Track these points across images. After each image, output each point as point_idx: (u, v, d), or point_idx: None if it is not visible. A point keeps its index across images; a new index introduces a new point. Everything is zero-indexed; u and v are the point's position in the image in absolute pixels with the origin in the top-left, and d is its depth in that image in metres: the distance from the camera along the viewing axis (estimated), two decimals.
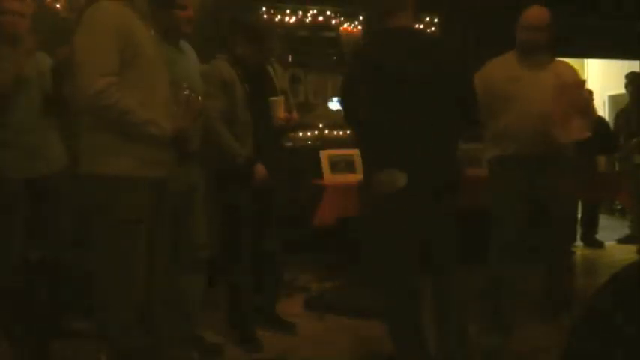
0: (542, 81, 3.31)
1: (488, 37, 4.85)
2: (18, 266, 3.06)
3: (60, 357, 3.04)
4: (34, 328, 3.07)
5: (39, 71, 3.09)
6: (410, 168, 2.56)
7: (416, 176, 2.58)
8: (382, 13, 2.67)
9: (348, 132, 5.19)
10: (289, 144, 4.67)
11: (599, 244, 6.02)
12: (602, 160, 6.40)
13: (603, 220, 6.52)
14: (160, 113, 2.36)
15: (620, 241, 6.14)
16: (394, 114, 2.53)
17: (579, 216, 5.98)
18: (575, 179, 3.55)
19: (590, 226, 6.10)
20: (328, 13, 5.16)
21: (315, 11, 5.09)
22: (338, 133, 5.20)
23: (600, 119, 6.17)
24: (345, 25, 5.24)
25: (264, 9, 4.87)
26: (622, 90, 6.35)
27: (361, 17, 5.26)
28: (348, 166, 4.80)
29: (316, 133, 5.12)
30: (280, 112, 3.24)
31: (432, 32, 5.51)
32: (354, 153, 4.81)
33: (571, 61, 5.43)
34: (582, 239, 6.06)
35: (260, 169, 3.18)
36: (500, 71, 3.47)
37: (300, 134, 5.01)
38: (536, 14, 3.35)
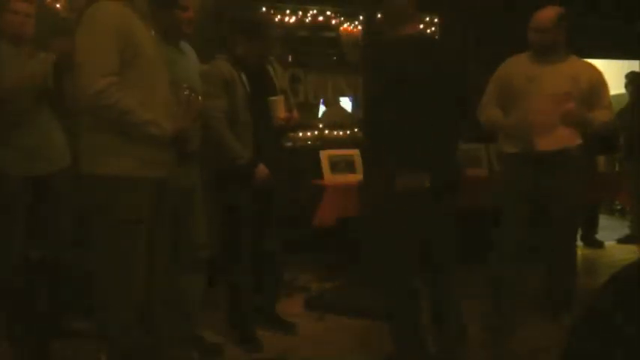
0: (553, 80, 3.36)
1: (488, 37, 4.87)
2: (18, 266, 3.06)
3: (60, 357, 3.04)
4: (34, 328, 3.07)
5: (42, 71, 3.11)
6: (421, 167, 2.66)
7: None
8: (391, 23, 2.81)
9: (348, 132, 5.19)
10: (289, 144, 4.67)
11: (599, 244, 6.02)
12: (602, 160, 6.39)
13: (603, 220, 6.52)
14: (160, 113, 2.36)
15: (620, 241, 6.14)
16: (408, 115, 2.64)
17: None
18: (580, 180, 3.55)
19: (590, 226, 6.10)
20: (328, 13, 5.16)
21: (315, 11, 5.09)
22: (338, 133, 5.20)
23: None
24: (345, 25, 5.24)
25: (264, 9, 4.87)
26: (622, 90, 6.35)
27: (361, 17, 5.26)
28: (348, 166, 4.80)
29: (316, 133, 5.12)
30: (281, 112, 3.24)
31: (432, 32, 5.51)
32: (354, 153, 4.82)
33: None
34: (582, 239, 6.05)
35: (262, 169, 3.19)
36: (516, 69, 3.53)
37: (300, 134, 5.01)
38: (539, 17, 3.41)
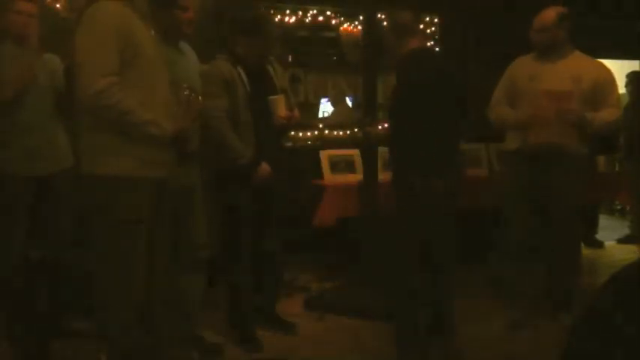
0: (553, 78, 3.42)
1: (488, 37, 4.87)
2: (18, 266, 3.06)
3: (60, 357, 3.04)
4: (34, 328, 3.07)
5: (48, 71, 3.12)
6: (436, 172, 2.91)
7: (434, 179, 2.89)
8: (397, 37, 3.07)
9: (348, 132, 5.19)
10: (289, 144, 4.67)
11: (599, 244, 6.02)
12: (602, 160, 6.39)
13: (603, 220, 6.52)
14: (160, 113, 2.36)
15: (620, 241, 6.14)
16: (426, 122, 2.89)
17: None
18: (580, 179, 3.56)
19: (590, 226, 6.10)
20: (328, 13, 5.15)
21: (315, 11, 5.09)
22: (338, 133, 5.20)
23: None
24: (345, 25, 5.23)
25: (264, 9, 4.87)
26: (622, 90, 6.34)
27: (361, 17, 5.25)
28: (348, 166, 4.80)
29: (316, 133, 5.12)
30: (281, 111, 3.24)
31: (432, 32, 5.51)
32: (354, 153, 4.82)
33: None
34: (582, 239, 6.05)
35: (264, 168, 3.19)
36: (520, 70, 3.63)
37: (300, 134, 5.01)
38: (540, 17, 3.51)
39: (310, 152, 4.87)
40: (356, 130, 5.15)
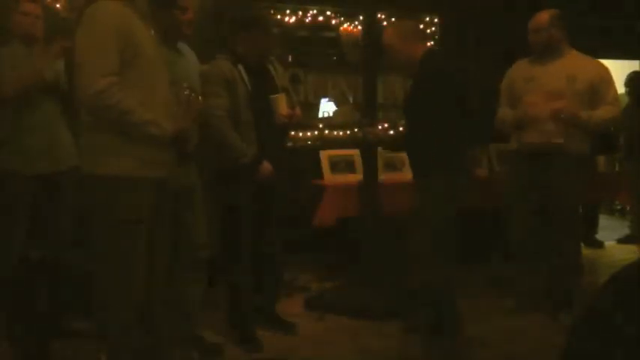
0: (548, 78, 3.48)
1: (488, 37, 4.87)
2: (18, 266, 3.06)
3: (60, 357, 3.04)
4: (34, 328, 3.07)
5: (53, 71, 3.15)
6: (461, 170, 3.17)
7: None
8: (409, 42, 3.20)
9: (348, 132, 5.19)
10: (289, 144, 4.67)
11: (599, 244, 6.02)
12: (602, 160, 6.39)
13: (603, 220, 6.52)
14: (160, 113, 2.36)
15: (620, 241, 6.14)
16: (455, 122, 3.06)
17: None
18: (580, 179, 3.58)
19: (590, 226, 6.10)
20: (328, 13, 5.15)
21: (315, 11, 5.09)
22: (338, 133, 5.20)
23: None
24: (345, 25, 5.23)
25: (263, 9, 4.86)
26: (622, 90, 6.35)
27: (361, 17, 5.25)
28: (348, 166, 4.80)
29: (316, 133, 5.11)
30: (283, 109, 3.24)
31: (432, 32, 5.51)
32: (354, 153, 4.82)
33: None
34: (582, 239, 6.05)
35: (266, 166, 3.19)
36: (517, 74, 3.70)
37: (300, 134, 5.01)
38: (535, 18, 3.60)
39: (310, 152, 4.87)
40: (356, 130, 5.15)
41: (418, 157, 3.20)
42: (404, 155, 4.96)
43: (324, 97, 5.37)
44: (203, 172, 3.14)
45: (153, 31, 2.59)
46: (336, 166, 4.77)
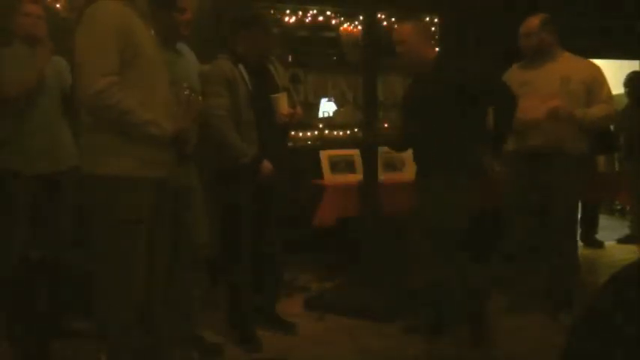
0: (543, 81, 3.50)
1: (488, 37, 4.87)
2: (18, 266, 3.06)
3: (60, 357, 3.04)
4: (34, 328, 3.07)
5: (56, 72, 3.15)
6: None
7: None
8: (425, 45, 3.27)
9: (348, 132, 5.19)
10: (289, 144, 4.67)
11: (599, 244, 6.01)
12: (602, 160, 6.38)
13: (603, 220, 6.52)
14: (160, 113, 2.35)
15: (620, 241, 6.14)
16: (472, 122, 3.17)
17: (579, 216, 5.98)
18: (580, 179, 3.60)
19: (590, 226, 6.10)
20: (328, 13, 5.15)
21: (315, 11, 5.09)
22: (338, 133, 5.20)
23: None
24: (345, 25, 5.23)
25: (263, 9, 4.86)
26: (622, 90, 6.35)
27: (361, 17, 5.25)
28: (348, 166, 4.80)
29: (316, 133, 5.11)
30: (284, 108, 3.24)
31: (431, 32, 5.51)
32: (354, 153, 4.82)
33: None
34: (582, 239, 6.05)
35: (266, 165, 3.19)
36: (512, 78, 3.68)
37: (300, 134, 5.01)
38: (525, 23, 3.65)
39: (310, 152, 4.87)
40: (356, 130, 5.15)
41: (437, 157, 3.19)
42: (404, 155, 4.96)
43: (324, 97, 5.37)
44: (203, 172, 3.14)
45: (153, 32, 2.59)
46: (336, 166, 4.77)
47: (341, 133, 5.19)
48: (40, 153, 3.10)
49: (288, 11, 5.00)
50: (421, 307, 3.47)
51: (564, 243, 3.66)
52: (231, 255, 3.28)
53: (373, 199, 3.96)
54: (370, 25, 4.11)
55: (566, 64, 3.60)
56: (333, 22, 5.20)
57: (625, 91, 6.09)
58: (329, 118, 5.33)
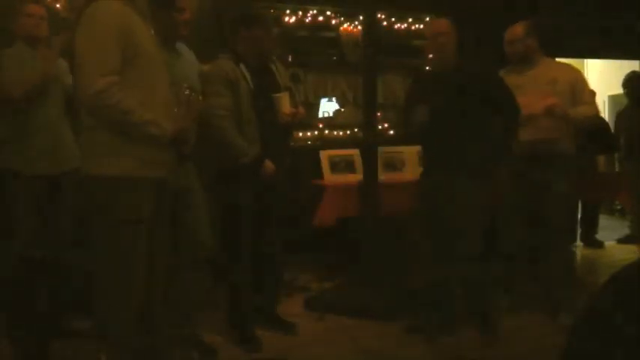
0: (533, 84, 3.60)
1: (488, 37, 4.87)
2: (18, 266, 3.06)
3: (60, 357, 3.04)
4: (34, 328, 3.07)
5: (58, 72, 3.16)
6: None
7: None
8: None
9: (348, 132, 5.19)
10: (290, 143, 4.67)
11: (599, 244, 6.02)
12: (602, 160, 6.39)
13: (603, 220, 6.52)
14: (160, 113, 2.35)
15: (620, 241, 6.14)
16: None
17: (579, 216, 5.98)
18: (573, 178, 3.66)
19: (590, 226, 6.10)
20: (328, 13, 5.15)
21: (315, 11, 5.09)
22: (338, 133, 5.20)
23: (600, 119, 6.19)
24: (345, 25, 5.23)
25: (263, 9, 4.86)
26: (622, 90, 6.35)
27: (361, 17, 5.26)
28: (348, 166, 4.80)
29: (316, 133, 5.11)
30: (286, 108, 3.24)
31: None
32: (354, 153, 4.82)
33: (571, 61, 5.44)
34: (582, 239, 6.06)
35: (268, 165, 3.19)
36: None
37: (300, 134, 5.01)
38: (510, 30, 3.77)
39: (310, 152, 4.87)
40: (356, 130, 5.15)
41: (464, 158, 3.25)
42: (404, 155, 4.97)
43: (325, 97, 5.37)
44: (203, 172, 3.13)
45: (152, 31, 2.59)
46: (336, 166, 4.77)
47: (341, 133, 5.19)
48: (42, 153, 3.10)
49: (288, 11, 5.00)
50: (421, 307, 3.47)
51: (562, 243, 3.70)
52: (231, 255, 3.28)
53: (373, 199, 3.96)
54: (370, 25, 4.11)
55: (549, 67, 3.73)
56: (333, 22, 5.20)
57: (624, 92, 6.09)
58: (330, 118, 5.33)
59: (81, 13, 2.33)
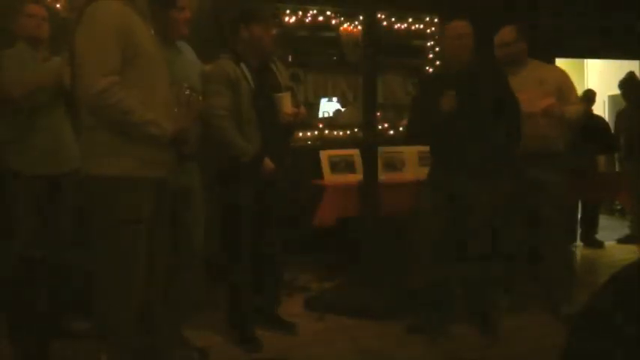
0: (523, 86, 3.61)
1: (488, 37, 4.87)
2: (18, 266, 3.06)
3: (60, 357, 3.04)
4: (34, 328, 3.07)
5: (57, 73, 3.15)
6: None
7: None
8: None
9: (348, 132, 5.19)
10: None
11: (599, 244, 6.02)
12: (602, 160, 6.39)
13: (603, 220, 6.52)
14: (160, 113, 2.35)
15: (620, 241, 6.14)
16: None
17: (579, 216, 5.99)
18: (565, 176, 3.74)
19: (590, 226, 6.10)
20: (328, 13, 5.15)
21: (315, 11, 5.09)
22: (338, 133, 5.20)
23: (600, 119, 6.20)
24: (345, 25, 5.23)
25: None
26: (617, 91, 6.35)
27: (361, 17, 5.26)
28: (348, 166, 4.80)
29: (316, 133, 5.11)
30: (287, 108, 3.24)
31: (431, 32, 5.51)
32: (354, 153, 4.82)
33: (571, 61, 5.44)
34: (582, 239, 6.06)
35: (268, 164, 3.18)
36: None
37: (300, 134, 5.01)
38: (502, 33, 3.84)
39: (310, 152, 4.87)
40: (356, 130, 5.15)
41: (482, 159, 3.28)
42: (404, 155, 4.97)
43: (325, 97, 5.37)
44: (204, 172, 3.13)
45: (152, 31, 2.59)
46: (336, 166, 4.77)
47: (341, 133, 5.19)
48: (43, 154, 3.10)
49: (288, 11, 5.00)
50: (421, 307, 3.47)
51: (560, 242, 3.74)
52: (231, 255, 3.28)
53: (373, 199, 3.96)
54: (370, 25, 4.11)
55: (537, 68, 3.79)
56: (333, 22, 5.20)
57: (621, 93, 6.10)
58: (331, 118, 5.34)
59: (81, 13, 2.33)
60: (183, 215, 2.92)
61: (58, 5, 4.07)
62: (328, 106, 5.40)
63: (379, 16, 5.05)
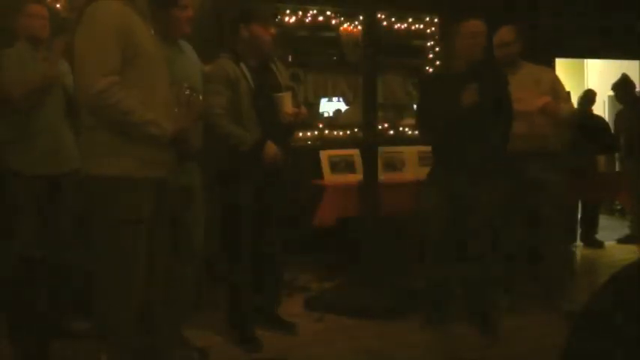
0: (519, 85, 3.63)
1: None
2: (18, 266, 3.06)
3: (60, 357, 3.04)
4: (34, 328, 3.07)
5: (60, 73, 3.16)
6: None
7: None
8: None
9: (348, 132, 5.19)
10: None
11: (599, 244, 6.01)
12: (602, 160, 6.39)
13: (603, 220, 6.52)
14: (161, 113, 2.35)
15: (620, 241, 6.14)
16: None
17: (579, 216, 5.99)
18: (565, 175, 3.78)
19: (590, 226, 6.10)
20: (328, 13, 5.15)
21: (315, 11, 5.09)
22: (338, 133, 5.20)
23: (600, 119, 6.20)
24: (345, 25, 5.23)
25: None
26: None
27: (361, 17, 5.25)
28: (348, 166, 4.80)
29: (316, 133, 5.11)
30: (288, 107, 3.23)
31: (431, 32, 5.51)
32: (354, 153, 4.82)
33: (571, 61, 5.45)
34: (582, 239, 6.05)
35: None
36: None
37: (300, 134, 5.01)
38: (501, 33, 3.87)
39: (310, 152, 4.87)
40: (356, 130, 5.15)
41: (486, 161, 3.30)
42: (404, 155, 4.97)
43: (325, 97, 5.37)
44: (204, 172, 3.13)
45: (153, 31, 2.59)
46: (336, 166, 4.77)
47: (341, 133, 5.19)
48: (44, 154, 3.10)
49: (288, 11, 5.00)
50: (421, 307, 3.47)
51: (558, 241, 3.79)
52: (231, 255, 3.28)
53: (373, 199, 3.96)
54: (370, 25, 4.11)
55: (531, 69, 3.85)
56: (333, 22, 5.20)
57: (615, 95, 6.10)
58: (332, 117, 5.33)
59: (81, 13, 2.33)
60: (183, 215, 2.92)
61: (58, 5, 4.07)
62: (328, 106, 5.41)
63: (379, 16, 5.05)
